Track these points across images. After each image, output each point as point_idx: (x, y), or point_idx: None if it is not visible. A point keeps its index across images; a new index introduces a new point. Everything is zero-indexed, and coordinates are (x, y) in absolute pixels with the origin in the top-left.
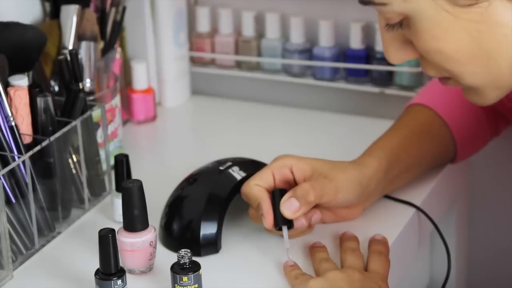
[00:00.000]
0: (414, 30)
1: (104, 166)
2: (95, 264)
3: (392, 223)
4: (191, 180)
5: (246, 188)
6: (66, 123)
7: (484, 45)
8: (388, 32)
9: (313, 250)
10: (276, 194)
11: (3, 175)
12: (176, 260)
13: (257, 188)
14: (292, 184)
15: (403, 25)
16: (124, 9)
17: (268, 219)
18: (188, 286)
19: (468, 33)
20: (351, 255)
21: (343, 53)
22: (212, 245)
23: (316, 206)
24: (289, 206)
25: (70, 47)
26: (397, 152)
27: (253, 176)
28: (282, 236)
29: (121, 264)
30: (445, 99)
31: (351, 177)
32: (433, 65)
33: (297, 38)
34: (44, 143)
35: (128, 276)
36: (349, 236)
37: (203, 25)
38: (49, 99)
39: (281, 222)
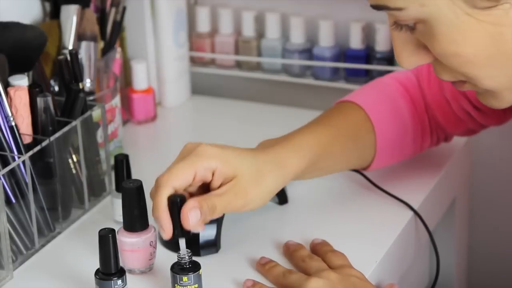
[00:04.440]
0: (431, 34)
1: (104, 166)
2: (95, 264)
3: (391, 224)
4: None
5: (161, 189)
6: (66, 123)
7: (503, 47)
8: (398, 33)
9: (290, 250)
10: (175, 204)
11: (3, 175)
12: (176, 260)
13: (165, 196)
14: (206, 185)
15: (415, 29)
16: (124, 9)
17: (168, 232)
18: (188, 286)
19: (490, 35)
20: (336, 257)
21: (343, 53)
22: (212, 245)
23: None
24: (192, 218)
25: (70, 47)
26: (323, 152)
27: (171, 173)
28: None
29: (121, 264)
30: (378, 103)
31: (266, 189)
32: (448, 69)
33: (297, 38)
34: (44, 143)
35: (128, 276)
36: (317, 242)
37: (203, 25)
38: (49, 99)
39: (180, 234)
